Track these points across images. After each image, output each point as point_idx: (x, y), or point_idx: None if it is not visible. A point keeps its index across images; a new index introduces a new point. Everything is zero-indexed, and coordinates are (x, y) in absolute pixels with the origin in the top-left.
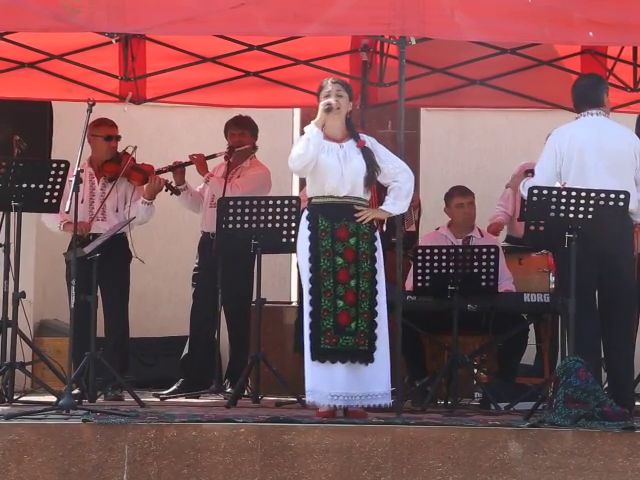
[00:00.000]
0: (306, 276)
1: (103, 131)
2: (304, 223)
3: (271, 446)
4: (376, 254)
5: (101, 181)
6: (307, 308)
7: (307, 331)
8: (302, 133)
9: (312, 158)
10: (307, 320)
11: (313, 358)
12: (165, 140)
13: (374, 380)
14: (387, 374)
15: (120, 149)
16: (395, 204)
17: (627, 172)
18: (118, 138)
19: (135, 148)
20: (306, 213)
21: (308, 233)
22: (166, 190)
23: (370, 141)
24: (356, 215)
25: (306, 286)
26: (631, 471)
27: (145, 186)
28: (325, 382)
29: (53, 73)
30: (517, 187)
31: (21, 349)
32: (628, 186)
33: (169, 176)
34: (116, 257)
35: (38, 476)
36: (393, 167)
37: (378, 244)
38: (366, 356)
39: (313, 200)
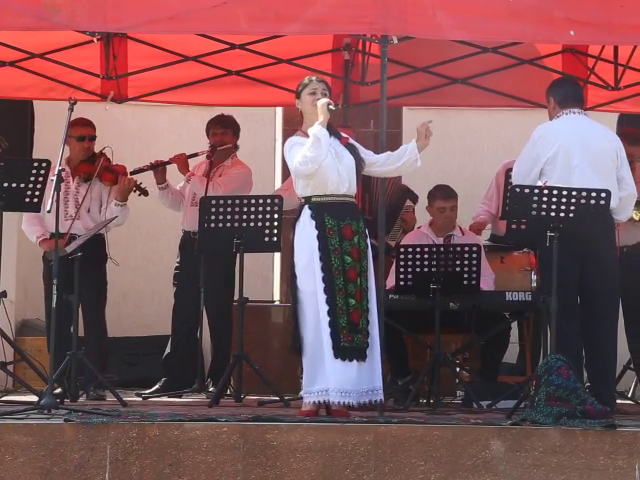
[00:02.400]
0: (316, 275)
1: (76, 131)
2: (309, 222)
3: (254, 445)
4: (368, 251)
5: (76, 180)
6: (323, 307)
7: (327, 329)
8: (285, 132)
9: (324, 159)
10: (325, 319)
11: (336, 356)
12: (147, 139)
13: (372, 375)
14: (380, 370)
15: (98, 148)
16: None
17: (610, 170)
18: (92, 138)
19: (111, 152)
20: (308, 212)
21: (316, 232)
22: (135, 191)
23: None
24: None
25: (319, 285)
26: (612, 469)
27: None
28: (343, 380)
29: (34, 72)
30: (501, 185)
31: (2, 348)
32: (610, 184)
33: (145, 177)
34: (93, 257)
35: (20, 476)
36: (375, 156)
37: (369, 242)
38: (365, 354)
39: (314, 199)
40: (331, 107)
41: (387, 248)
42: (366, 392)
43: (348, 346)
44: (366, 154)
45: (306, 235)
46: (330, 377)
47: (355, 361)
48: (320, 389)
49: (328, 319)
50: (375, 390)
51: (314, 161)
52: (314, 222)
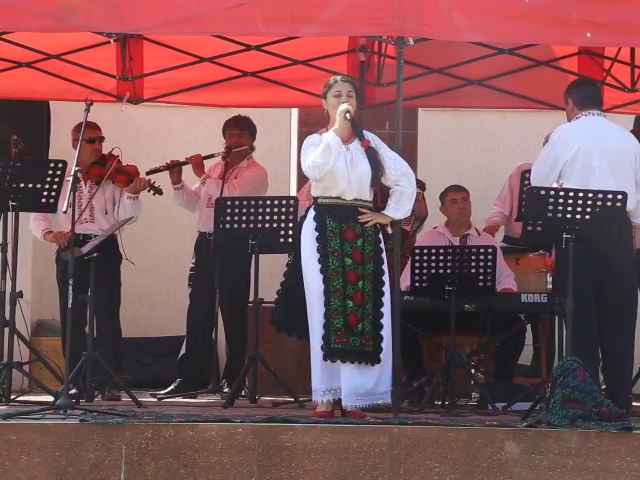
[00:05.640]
0: (316, 276)
1: (85, 134)
2: (311, 224)
3: (268, 446)
4: (382, 255)
5: (88, 183)
6: (320, 308)
7: (320, 331)
8: (300, 133)
9: (332, 167)
10: (320, 321)
11: (325, 358)
12: (162, 140)
13: (378, 380)
14: (390, 373)
15: (107, 150)
16: (398, 209)
17: (628, 173)
18: (101, 139)
19: (119, 154)
20: (312, 214)
21: (316, 234)
22: (149, 190)
23: (373, 139)
24: (359, 217)
25: (316, 286)
26: (628, 471)
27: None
28: (350, 383)
29: (51, 73)
30: (514, 187)
31: (18, 349)
32: (629, 187)
33: (161, 177)
34: (106, 258)
35: (35, 476)
36: (395, 169)
37: (383, 246)
38: (372, 357)
39: (319, 200)
40: (347, 115)
41: (402, 236)
42: (372, 395)
43: (341, 348)
44: (387, 163)
45: (309, 236)
46: (341, 378)
47: (350, 363)
48: (336, 387)
49: (323, 321)
50: (381, 394)
51: (321, 168)
52: (315, 224)
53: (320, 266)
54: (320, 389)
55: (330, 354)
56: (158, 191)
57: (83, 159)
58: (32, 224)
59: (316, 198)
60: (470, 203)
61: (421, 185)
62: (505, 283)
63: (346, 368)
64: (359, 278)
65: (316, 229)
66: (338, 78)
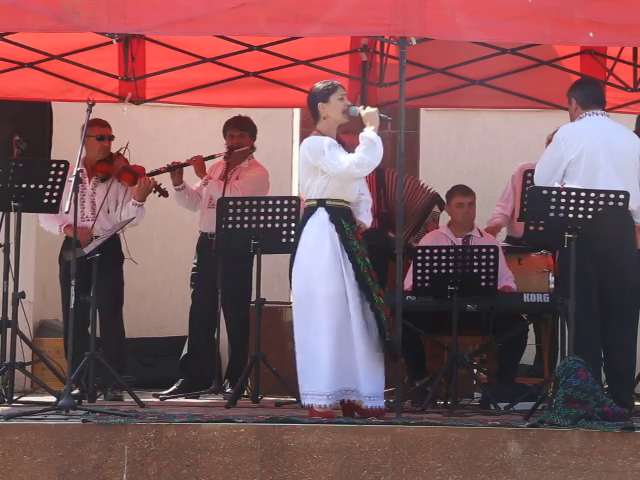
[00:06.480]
0: (345, 277)
1: (95, 131)
2: (327, 225)
3: (271, 446)
4: None
5: (92, 180)
6: (364, 305)
7: (374, 327)
8: (302, 134)
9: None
10: (369, 314)
11: (385, 351)
12: (165, 140)
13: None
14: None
15: (115, 149)
16: (368, 217)
17: (632, 172)
18: (111, 138)
19: (127, 146)
20: (326, 215)
21: (337, 235)
22: (155, 192)
23: None
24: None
25: (351, 285)
26: (631, 471)
27: (135, 187)
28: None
29: (53, 73)
30: (517, 187)
31: (21, 349)
32: (633, 186)
33: (162, 178)
34: (109, 258)
35: (38, 476)
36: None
37: None
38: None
39: (328, 203)
40: (383, 116)
41: (409, 248)
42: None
43: (395, 340)
44: None
45: (324, 238)
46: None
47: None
48: (348, 388)
49: (372, 313)
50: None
51: (370, 165)
52: (333, 225)
53: (352, 264)
54: (327, 393)
55: (390, 349)
56: (164, 193)
57: (91, 156)
58: (45, 223)
59: (323, 200)
60: (475, 207)
61: (441, 206)
62: (505, 285)
63: (381, 366)
64: (375, 276)
65: (336, 230)
66: (336, 83)
